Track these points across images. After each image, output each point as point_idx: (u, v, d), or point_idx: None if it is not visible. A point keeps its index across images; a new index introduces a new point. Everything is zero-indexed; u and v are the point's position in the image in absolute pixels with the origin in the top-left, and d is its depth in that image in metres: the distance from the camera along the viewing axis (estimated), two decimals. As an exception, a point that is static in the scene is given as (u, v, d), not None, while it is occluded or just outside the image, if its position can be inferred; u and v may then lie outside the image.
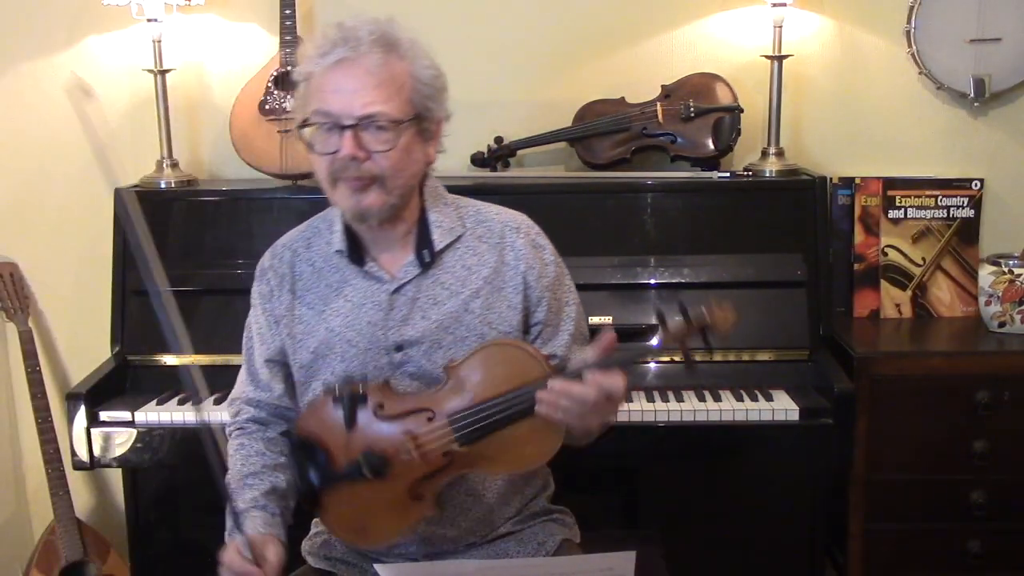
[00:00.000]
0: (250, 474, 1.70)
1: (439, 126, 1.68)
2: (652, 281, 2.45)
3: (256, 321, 1.79)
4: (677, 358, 2.42)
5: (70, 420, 2.32)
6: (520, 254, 1.72)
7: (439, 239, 1.70)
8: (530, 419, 1.54)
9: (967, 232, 2.73)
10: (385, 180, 1.59)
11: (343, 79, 1.56)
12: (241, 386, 1.82)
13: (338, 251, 1.71)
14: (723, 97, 2.65)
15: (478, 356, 1.60)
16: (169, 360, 2.49)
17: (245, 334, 1.83)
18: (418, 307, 1.69)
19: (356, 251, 1.71)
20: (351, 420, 1.59)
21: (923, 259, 2.72)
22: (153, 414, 2.33)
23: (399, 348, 1.68)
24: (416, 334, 1.68)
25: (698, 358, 2.41)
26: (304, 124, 1.62)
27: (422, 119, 1.62)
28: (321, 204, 2.55)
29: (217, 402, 2.35)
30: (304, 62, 1.62)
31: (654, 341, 1.55)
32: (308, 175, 2.62)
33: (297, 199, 2.57)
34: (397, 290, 1.69)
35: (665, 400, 2.30)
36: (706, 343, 1.54)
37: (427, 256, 1.69)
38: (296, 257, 1.76)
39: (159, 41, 2.63)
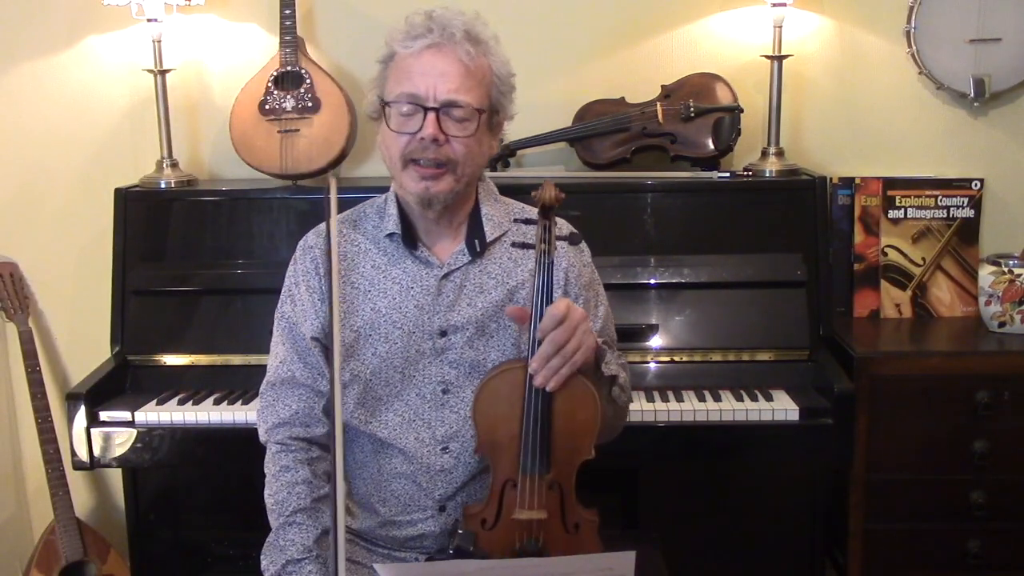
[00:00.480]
0: (300, 510, 1.68)
1: (503, 122, 1.74)
2: (652, 281, 2.45)
3: (299, 299, 1.76)
4: (677, 358, 2.42)
5: (70, 420, 2.32)
6: (562, 251, 1.76)
7: (490, 231, 1.74)
8: (556, 400, 1.57)
9: (967, 232, 2.72)
10: (457, 166, 1.65)
11: (431, 63, 1.62)
12: (284, 366, 1.76)
13: (390, 234, 1.74)
14: (723, 97, 2.65)
15: (479, 417, 1.63)
16: (169, 360, 2.49)
17: (279, 320, 1.78)
18: (465, 294, 1.72)
19: (409, 235, 1.74)
20: (484, 555, 1.62)
21: (923, 259, 2.72)
22: (153, 414, 2.32)
23: (443, 333, 1.71)
24: (461, 320, 1.71)
25: (698, 358, 2.42)
26: (385, 104, 1.66)
27: (494, 113, 1.70)
28: (320, 205, 2.54)
29: (217, 402, 2.35)
30: (389, 43, 1.66)
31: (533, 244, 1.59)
32: (308, 175, 2.62)
33: (297, 199, 2.56)
34: (446, 276, 1.72)
35: (665, 400, 2.30)
36: (553, 218, 1.59)
37: (478, 245, 1.73)
38: (341, 237, 1.77)
39: (159, 41, 2.63)
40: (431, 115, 1.61)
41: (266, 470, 1.75)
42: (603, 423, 1.62)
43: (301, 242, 1.81)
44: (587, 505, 1.67)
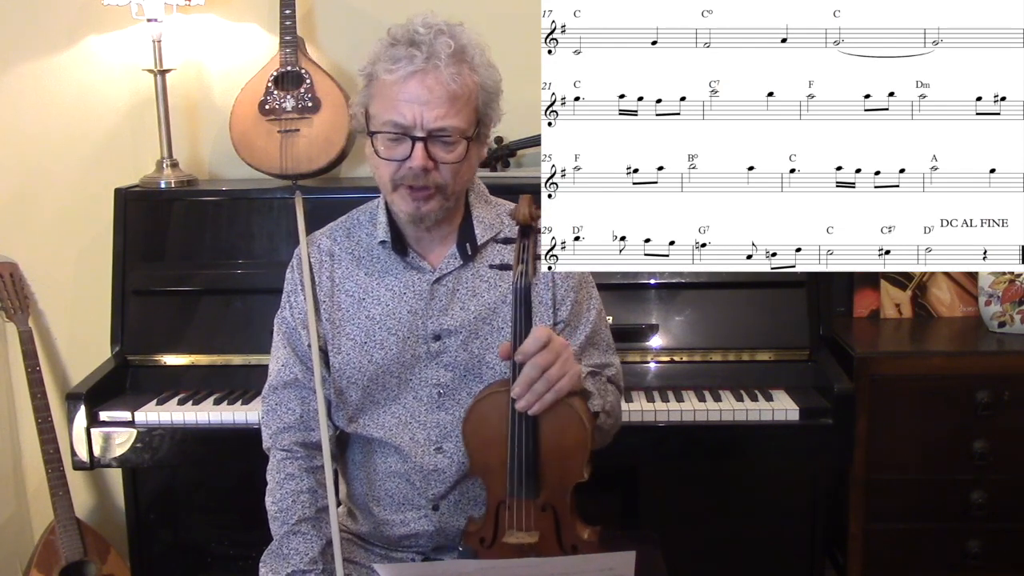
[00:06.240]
0: (304, 519, 1.68)
1: (491, 128, 1.71)
2: (652, 281, 2.46)
3: (297, 307, 1.76)
4: (677, 358, 2.43)
5: (70, 420, 2.32)
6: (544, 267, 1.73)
7: (481, 234, 1.73)
8: (542, 424, 1.54)
9: (967, 232, 2.72)
10: (447, 187, 1.64)
11: (417, 90, 1.58)
12: (287, 369, 1.76)
13: (382, 242, 1.74)
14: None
15: (469, 440, 1.61)
16: (169, 360, 2.49)
17: (279, 324, 1.79)
18: (457, 298, 1.72)
19: (399, 242, 1.74)
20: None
21: (923, 259, 2.72)
22: (153, 414, 2.32)
23: (437, 337, 1.71)
24: (455, 324, 1.71)
25: (698, 358, 2.42)
26: (372, 132, 1.63)
27: (481, 124, 1.66)
28: (320, 205, 2.55)
29: (217, 402, 2.36)
30: (374, 62, 1.62)
31: (511, 273, 1.54)
32: (307, 175, 2.62)
33: (297, 199, 2.57)
34: (438, 280, 1.72)
35: (665, 400, 2.30)
36: (534, 236, 1.52)
37: (469, 249, 1.72)
38: (335, 245, 1.78)
39: (159, 41, 2.63)
40: (419, 144, 1.59)
41: (269, 477, 1.74)
42: (592, 444, 1.60)
43: (298, 249, 1.80)
44: (590, 521, 1.63)
